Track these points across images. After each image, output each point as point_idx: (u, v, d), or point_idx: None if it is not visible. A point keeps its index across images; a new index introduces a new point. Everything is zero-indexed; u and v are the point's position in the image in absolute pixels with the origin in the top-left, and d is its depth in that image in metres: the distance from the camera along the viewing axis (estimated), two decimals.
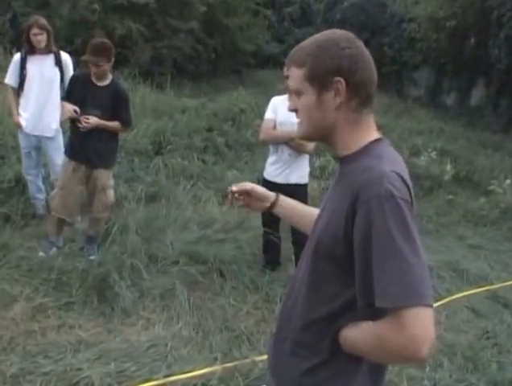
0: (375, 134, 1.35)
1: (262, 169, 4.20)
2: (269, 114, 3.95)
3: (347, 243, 1.23)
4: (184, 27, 12.25)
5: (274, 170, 4.00)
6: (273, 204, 1.75)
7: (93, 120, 3.81)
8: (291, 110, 1.41)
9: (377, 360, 1.31)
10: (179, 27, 12.17)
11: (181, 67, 12.64)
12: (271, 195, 1.76)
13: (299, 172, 3.97)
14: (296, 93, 1.36)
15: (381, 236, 1.15)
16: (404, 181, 1.21)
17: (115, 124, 3.92)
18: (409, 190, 1.22)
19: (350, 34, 1.33)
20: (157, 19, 11.98)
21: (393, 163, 1.25)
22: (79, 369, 2.82)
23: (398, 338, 1.14)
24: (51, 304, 3.39)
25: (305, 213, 1.74)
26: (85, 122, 3.79)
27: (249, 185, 1.74)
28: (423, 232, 6.33)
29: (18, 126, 4.44)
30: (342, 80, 1.28)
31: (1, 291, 3.39)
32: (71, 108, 3.79)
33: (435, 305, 4.29)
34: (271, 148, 4.05)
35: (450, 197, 7.47)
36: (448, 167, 8.22)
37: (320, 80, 1.30)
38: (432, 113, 13.84)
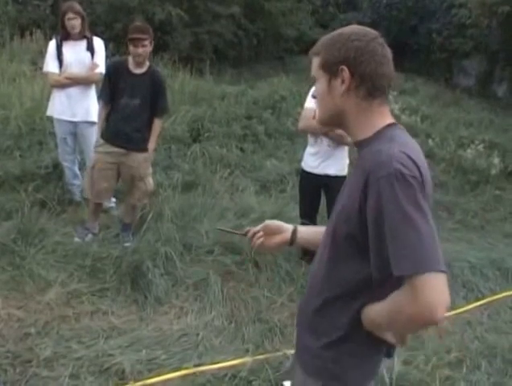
0: (388, 120, 1.43)
1: (302, 159, 4.10)
2: (309, 103, 3.81)
3: (361, 222, 1.30)
4: (225, 12, 12.09)
5: (312, 160, 3.91)
6: (294, 232, 1.78)
7: (151, 149, 4.00)
8: (313, 96, 1.58)
9: (395, 330, 1.41)
10: (219, 12, 12.02)
11: (222, 53, 12.55)
12: (288, 225, 1.80)
13: (338, 164, 3.84)
14: (315, 80, 1.49)
15: (392, 209, 1.21)
16: (413, 160, 1.26)
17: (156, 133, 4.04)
18: (419, 168, 1.27)
19: (369, 30, 1.42)
20: (197, 4, 11.86)
21: (403, 145, 1.31)
22: (110, 355, 2.85)
23: (413, 304, 1.20)
24: (86, 290, 3.43)
25: None
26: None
27: (260, 226, 1.79)
28: (469, 227, 6.13)
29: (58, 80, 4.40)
30: (346, 68, 1.38)
31: (37, 276, 3.43)
32: None
33: (477, 304, 4.15)
34: (310, 138, 3.94)
35: (497, 192, 7.24)
36: (496, 161, 7.94)
37: (330, 68, 1.41)
38: (482, 104, 13.38)
